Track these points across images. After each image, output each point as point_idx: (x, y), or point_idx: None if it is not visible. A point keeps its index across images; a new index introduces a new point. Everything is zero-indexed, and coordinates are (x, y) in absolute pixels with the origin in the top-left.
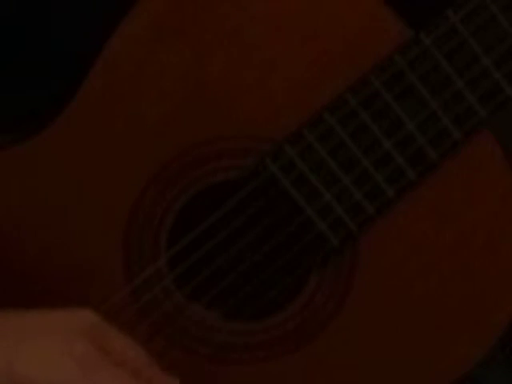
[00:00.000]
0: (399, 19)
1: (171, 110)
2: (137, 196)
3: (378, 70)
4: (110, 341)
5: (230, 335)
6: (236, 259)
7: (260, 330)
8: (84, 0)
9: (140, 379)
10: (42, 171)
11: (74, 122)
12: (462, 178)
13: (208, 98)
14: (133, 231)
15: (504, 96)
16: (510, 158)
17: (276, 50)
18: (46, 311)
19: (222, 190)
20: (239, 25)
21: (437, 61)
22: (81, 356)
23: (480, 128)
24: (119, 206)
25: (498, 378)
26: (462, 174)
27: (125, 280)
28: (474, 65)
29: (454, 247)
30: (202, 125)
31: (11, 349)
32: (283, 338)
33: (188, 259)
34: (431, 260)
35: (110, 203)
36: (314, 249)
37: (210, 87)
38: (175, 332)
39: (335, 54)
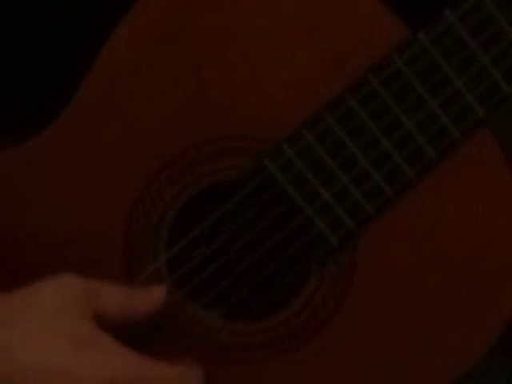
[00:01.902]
0: (397, 18)
1: (171, 110)
2: (137, 196)
3: (376, 69)
4: (102, 300)
5: (230, 335)
6: (235, 259)
7: (260, 330)
8: (84, 0)
9: (141, 360)
10: (42, 171)
11: (73, 122)
12: (461, 178)
13: (207, 98)
14: (133, 231)
15: (502, 94)
16: (510, 158)
17: (275, 50)
18: (31, 290)
19: (221, 190)
20: (237, 26)
21: (435, 60)
22: (74, 335)
23: (478, 127)
24: (119, 205)
25: (497, 378)
26: (462, 174)
27: (124, 280)
28: (472, 64)
29: (453, 246)
30: (201, 125)
31: (6, 334)
32: (283, 337)
33: (188, 259)
34: (430, 259)
35: (109, 203)
36: (314, 248)
37: (209, 87)
38: (175, 332)
39: (334, 54)
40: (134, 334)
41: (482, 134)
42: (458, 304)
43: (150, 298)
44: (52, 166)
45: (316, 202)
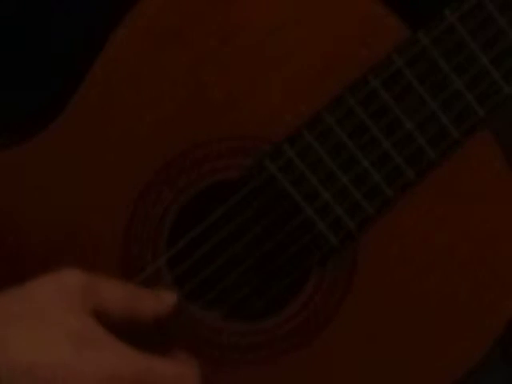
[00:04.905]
0: (397, 18)
1: (171, 111)
2: (137, 196)
3: (376, 70)
4: (102, 296)
5: (231, 336)
6: (236, 259)
7: (260, 331)
8: (84, 0)
9: (139, 356)
10: (41, 171)
11: (73, 121)
12: (461, 178)
13: (207, 99)
14: (133, 231)
15: (503, 95)
16: (510, 158)
17: (274, 50)
18: (31, 286)
19: (221, 190)
20: (237, 26)
21: (435, 60)
22: (75, 333)
23: (479, 127)
24: (119, 205)
25: (497, 379)
26: (462, 174)
27: (124, 279)
28: (472, 64)
29: (453, 247)
30: (201, 125)
31: (2, 331)
32: (283, 337)
33: (188, 259)
34: (430, 260)
35: (110, 203)
36: (314, 248)
37: (209, 88)
38: (174, 332)
39: (334, 54)
40: (134, 332)
41: (481, 134)
42: (458, 305)
43: (159, 302)
44: (52, 165)
45: (316, 202)
